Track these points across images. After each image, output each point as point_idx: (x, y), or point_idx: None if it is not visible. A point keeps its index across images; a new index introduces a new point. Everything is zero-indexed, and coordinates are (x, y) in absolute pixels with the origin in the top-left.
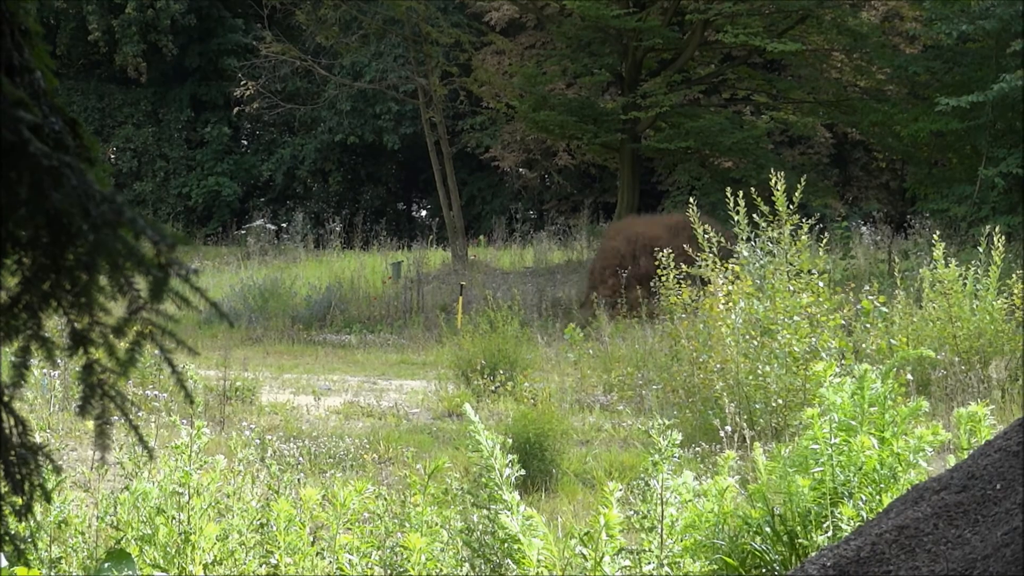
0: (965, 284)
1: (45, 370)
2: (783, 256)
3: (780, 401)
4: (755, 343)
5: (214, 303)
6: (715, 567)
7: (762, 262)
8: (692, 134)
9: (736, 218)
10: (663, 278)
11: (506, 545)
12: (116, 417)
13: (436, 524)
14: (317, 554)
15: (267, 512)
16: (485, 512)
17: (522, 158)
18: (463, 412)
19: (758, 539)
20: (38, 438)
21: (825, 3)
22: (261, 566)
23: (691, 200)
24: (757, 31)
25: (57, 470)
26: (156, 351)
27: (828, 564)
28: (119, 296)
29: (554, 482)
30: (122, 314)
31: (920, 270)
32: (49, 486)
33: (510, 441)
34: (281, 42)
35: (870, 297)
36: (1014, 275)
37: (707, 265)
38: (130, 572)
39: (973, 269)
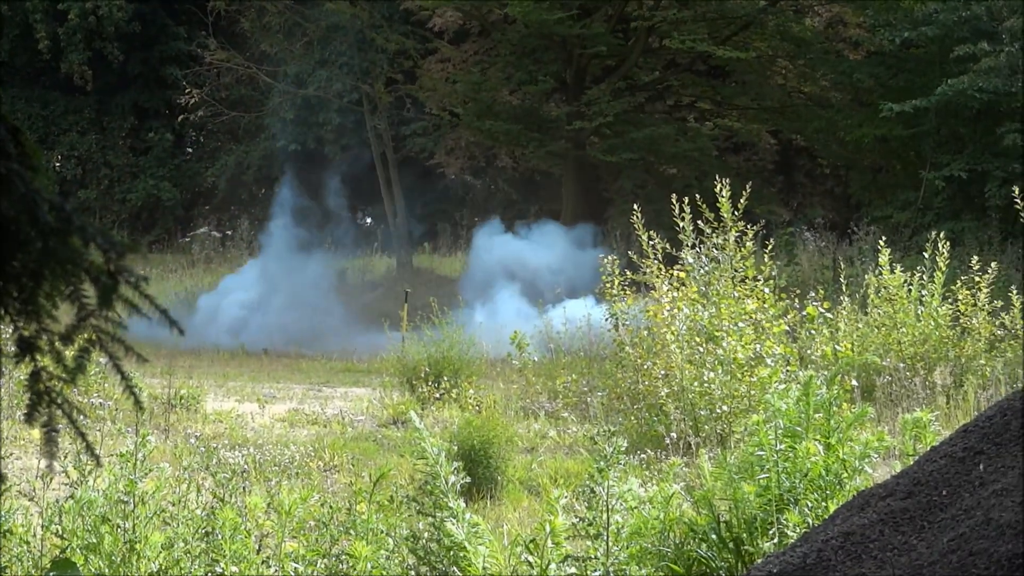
0: (910, 290)
1: None
2: (728, 263)
3: (725, 408)
4: (700, 350)
5: (163, 310)
6: (661, 574)
7: (707, 268)
8: (637, 144)
9: (681, 225)
10: (607, 284)
11: (452, 553)
12: (63, 425)
13: (382, 532)
14: (263, 562)
15: (212, 520)
16: (431, 520)
17: (467, 164)
18: (408, 419)
19: (704, 546)
20: None
21: (768, 10)
22: (207, 574)
23: (635, 207)
24: (702, 37)
25: (1, 477)
26: (103, 359)
27: (775, 571)
28: (68, 303)
29: (499, 489)
30: (70, 321)
31: (865, 276)
32: None
33: (455, 448)
34: (226, 49)
35: (815, 303)
36: (958, 281)
37: (652, 272)
38: None
39: (918, 275)
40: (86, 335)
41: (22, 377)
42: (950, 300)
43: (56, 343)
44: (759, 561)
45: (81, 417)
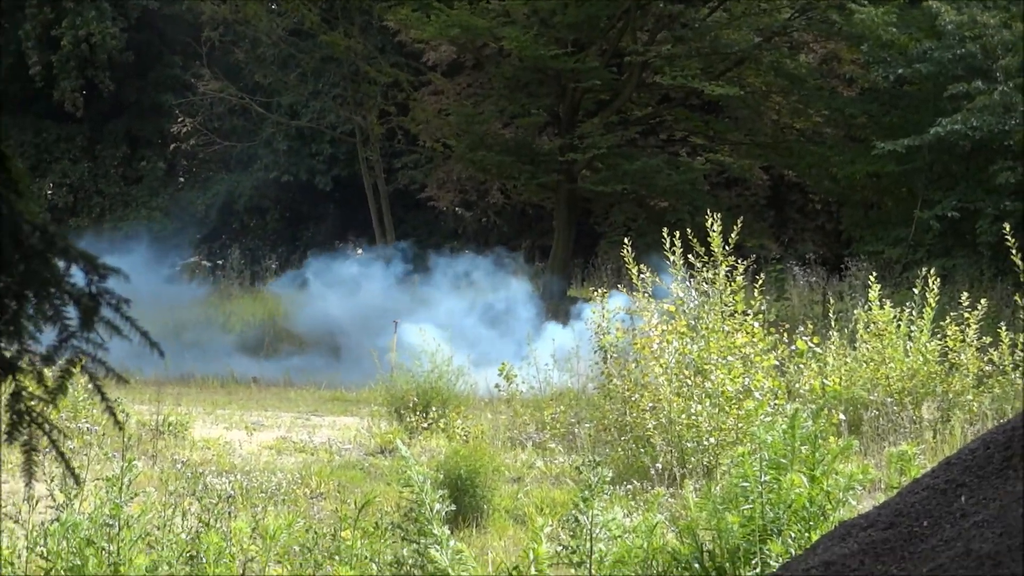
0: (899, 326)
1: None
2: (718, 297)
3: (712, 440)
4: (688, 383)
5: (144, 332)
6: None
7: (696, 302)
8: (629, 176)
9: (672, 259)
10: (596, 316)
11: None
12: (47, 448)
13: (366, 557)
14: None
15: (197, 544)
16: (415, 546)
17: (458, 197)
18: (395, 448)
19: (687, 574)
20: None
21: (763, 46)
22: None
23: (626, 241)
24: (695, 73)
25: None
26: (88, 383)
27: None
28: (51, 324)
29: (485, 518)
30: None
31: (855, 312)
32: None
33: (441, 477)
34: (219, 80)
35: (804, 338)
36: (947, 317)
37: (641, 305)
38: None
39: (907, 311)
40: (68, 356)
41: (5, 397)
42: (939, 336)
43: (38, 364)
44: None
45: (68, 440)
